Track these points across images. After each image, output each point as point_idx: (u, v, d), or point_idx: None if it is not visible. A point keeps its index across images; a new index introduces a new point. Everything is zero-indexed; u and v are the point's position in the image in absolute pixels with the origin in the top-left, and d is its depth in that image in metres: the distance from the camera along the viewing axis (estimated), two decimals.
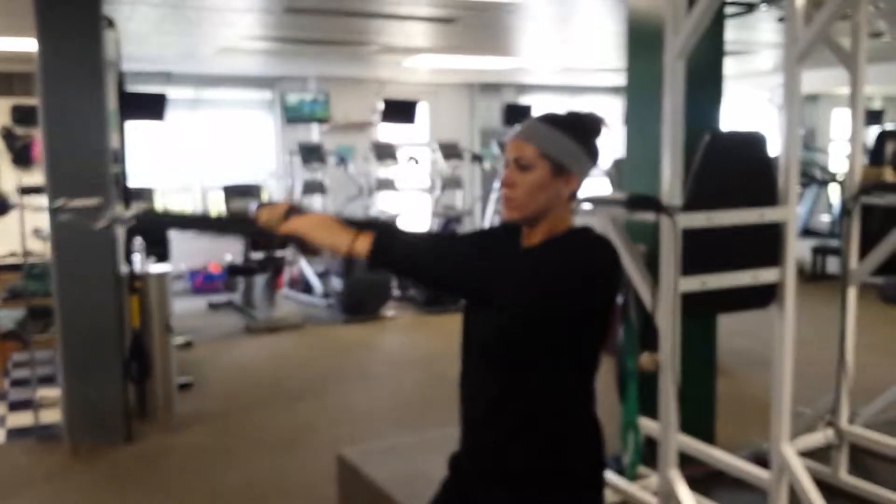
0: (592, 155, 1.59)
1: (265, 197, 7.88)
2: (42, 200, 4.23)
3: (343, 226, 1.47)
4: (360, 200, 8.50)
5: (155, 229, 1.33)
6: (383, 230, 1.49)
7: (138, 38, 6.06)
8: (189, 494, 3.64)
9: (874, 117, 9.84)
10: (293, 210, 1.53)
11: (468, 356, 1.68)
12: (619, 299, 2.89)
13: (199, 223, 1.41)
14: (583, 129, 1.58)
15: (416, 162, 8.58)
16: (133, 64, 7.29)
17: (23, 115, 7.23)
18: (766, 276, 2.51)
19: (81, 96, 4.06)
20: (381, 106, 9.06)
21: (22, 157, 7.29)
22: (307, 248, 1.47)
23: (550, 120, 1.58)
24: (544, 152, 1.54)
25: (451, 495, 1.73)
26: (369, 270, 1.49)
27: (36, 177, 6.91)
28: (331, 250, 1.45)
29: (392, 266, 1.49)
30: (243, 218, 1.46)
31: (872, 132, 3.37)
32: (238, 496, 3.62)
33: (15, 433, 4.49)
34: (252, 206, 7.91)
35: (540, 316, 1.48)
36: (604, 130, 1.60)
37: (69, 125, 4.04)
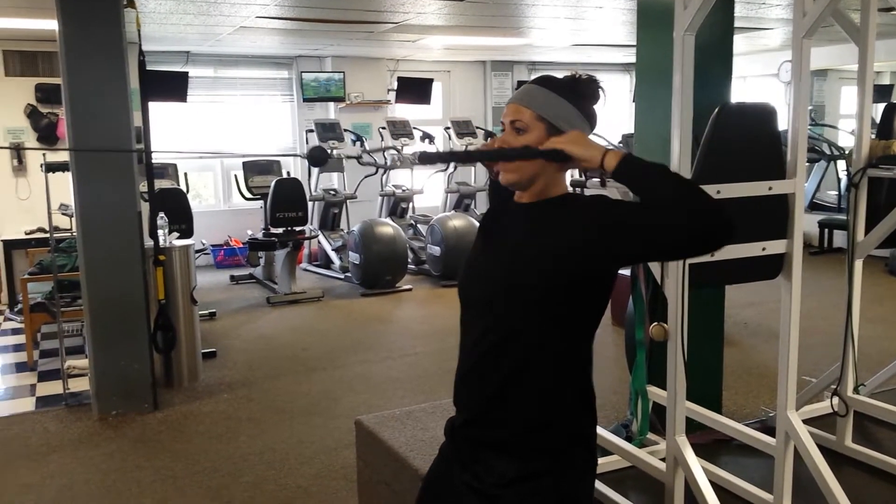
0: (590, 118, 1.59)
1: (284, 173, 7.95)
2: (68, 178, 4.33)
3: (595, 142, 1.51)
4: (376, 177, 8.58)
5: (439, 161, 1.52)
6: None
7: (158, 18, 6.14)
8: (213, 459, 3.76)
9: (883, 92, 9.76)
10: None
11: (465, 303, 1.67)
12: (628, 271, 2.96)
13: (473, 156, 1.61)
14: (580, 92, 1.57)
15: (431, 139, 8.63)
16: (153, 44, 7.40)
17: (47, 94, 7.35)
18: (774, 247, 2.56)
19: (104, 75, 4.14)
20: (396, 84, 9.11)
21: (47, 135, 7.41)
22: (565, 162, 1.52)
23: (548, 83, 1.58)
24: (540, 115, 1.54)
25: (449, 461, 1.72)
26: (617, 179, 1.49)
27: (61, 154, 7.06)
28: (585, 164, 1.50)
29: (640, 179, 1.46)
30: (503, 148, 1.57)
31: (881, 107, 3.38)
32: (260, 461, 3.74)
33: (44, 401, 4.64)
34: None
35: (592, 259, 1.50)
36: (601, 95, 1.60)
37: (92, 103, 4.13)
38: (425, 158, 1.59)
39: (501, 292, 1.57)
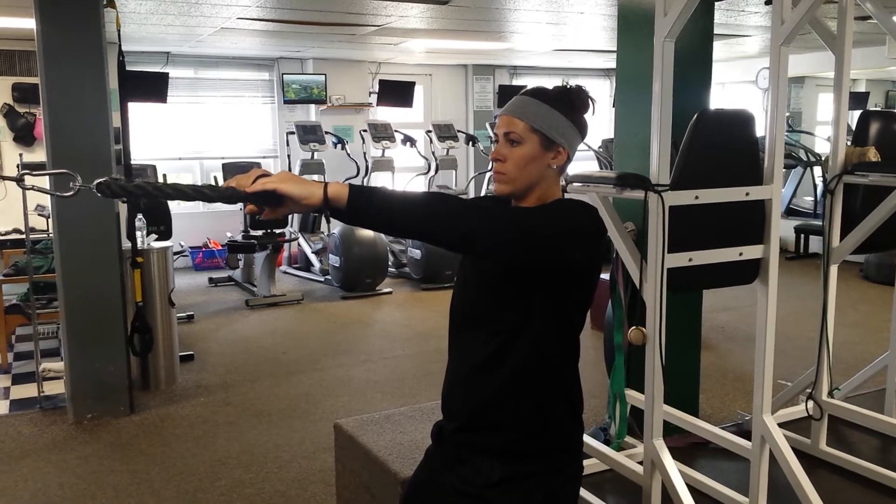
0: (581, 129, 1.62)
1: None
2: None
3: (308, 179, 1.39)
4: (356, 180, 8.56)
5: (123, 196, 1.22)
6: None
7: (139, 18, 6.10)
8: (190, 463, 3.73)
9: (858, 100, 9.90)
10: (265, 175, 1.42)
11: (457, 318, 1.70)
12: (607, 275, 2.97)
13: (166, 191, 1.34)
14: (571, 103, 1.60)
15: (413, 143, 8.63)
16: (133, 45, 7.34)
17: (24, 93, 7.27)
18: (751, 252, 2.58)
19: (82, 75, 4.10)
20: (378, 87, 9.10)
21: (24, 136, 7.32)
22: (279, 205, 1.38)
23: (540, 95, 1.60)
24: (534, 127, 1.56)
25: (435, 465, 1.75)
26: (346, 220, 1.40)
27: (38, 155, 6.98)
28: (305, 202, 1.35)
29: (372, 212, 1.39)
30: (212, 185, 1.40)
31: (857, 114, 3.42)
32: (237, 465, 3.71)
33: (19, 404, 4.58)
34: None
35: (526, 261, 1.50)
36: (591, 105, 1.62)
37: (70, 104, 4.08)
38: (105, 188, 1.39)
39: (494, 308, 1.60)
